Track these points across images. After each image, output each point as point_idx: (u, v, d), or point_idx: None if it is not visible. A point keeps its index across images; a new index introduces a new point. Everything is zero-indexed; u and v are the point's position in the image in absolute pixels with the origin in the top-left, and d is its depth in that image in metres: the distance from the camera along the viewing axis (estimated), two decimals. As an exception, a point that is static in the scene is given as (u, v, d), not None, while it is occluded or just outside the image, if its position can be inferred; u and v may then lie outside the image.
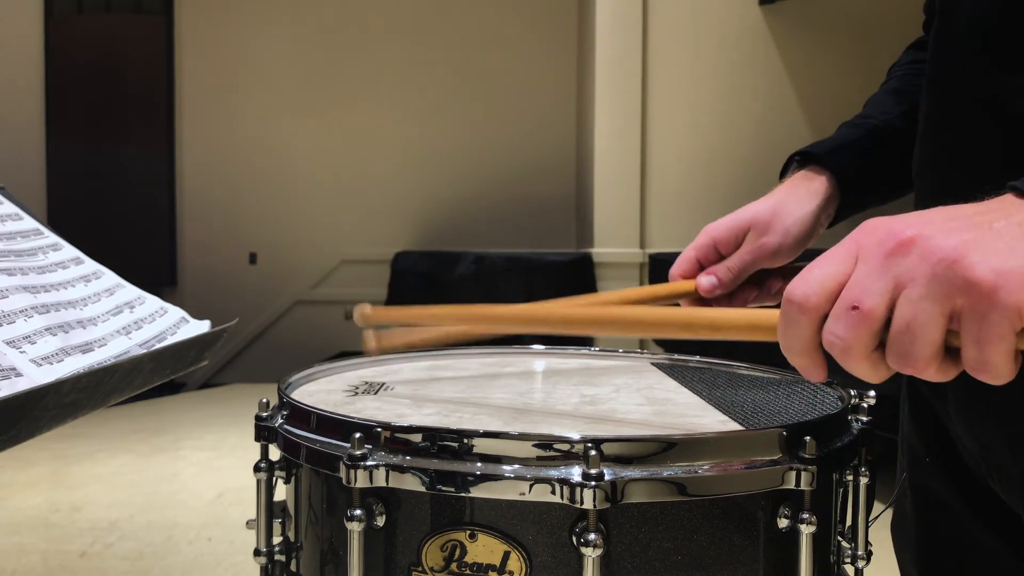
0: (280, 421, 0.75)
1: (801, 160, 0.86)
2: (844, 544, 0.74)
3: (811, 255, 0.81)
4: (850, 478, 0.73)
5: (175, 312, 0.86)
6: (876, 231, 0.47)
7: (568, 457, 0.60)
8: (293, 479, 0.75)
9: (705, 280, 0.82)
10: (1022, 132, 0.60)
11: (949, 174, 0.67)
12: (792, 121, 5.01)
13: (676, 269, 0.86)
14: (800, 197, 0.83)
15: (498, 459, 0.61)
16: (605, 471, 0.59)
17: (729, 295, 0.85)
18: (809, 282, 0.48)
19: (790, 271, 0.83)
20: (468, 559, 0.61)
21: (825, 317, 0.48)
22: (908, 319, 0.44)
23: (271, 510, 0.76)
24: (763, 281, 0.85)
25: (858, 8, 5.19)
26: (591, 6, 5.09)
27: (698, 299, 0.84)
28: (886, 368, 0.47)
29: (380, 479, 0.62)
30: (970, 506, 0.71)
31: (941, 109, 0.69)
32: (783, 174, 0.88)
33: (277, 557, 0.76)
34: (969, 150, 0.65)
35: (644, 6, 4.84)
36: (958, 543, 0.73)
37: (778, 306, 0.68)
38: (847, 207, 0.85)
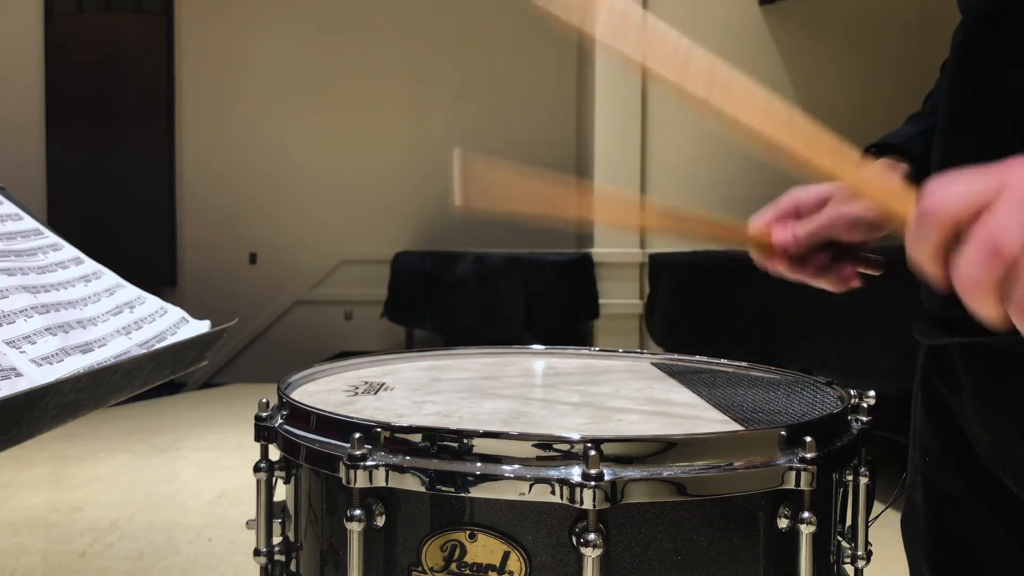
0: (280, 421, 0.75)
1: (877, 151, 0.85)
2: (844, 544, 0.74)
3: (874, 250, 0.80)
4: (850, 478, 0.73)
5: (175, 312, 0.86)
6: None
7: (568, 457, 0.60)
8: (293, 479, 0.75)
9: (781, 235, 0.80)
10: None
11: None
12: (792, 121, 5.00)
13: (752, 226, 0.84)
14: None
15: (498, 459, 0.61)
16: (605, 471, 0.59)
17: (800, 262, 0.82)
18: (950, 194, 0.47)
19: (863, 259, 0.82)
20: (468, 559, 0.61)
21: (957, 230, 0.46)
22: None
23: (271, 510, 0.76)
24: (835, 262, 0.83)
25: (858, 8, 5.19)
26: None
27: (770, 252, 0.81)
28: (1004, 312, 0.45)
29: (380, 479, 0.62)
30: (982, 501, 0.71)
31: (958, 109, 0.68)
32: None
33: (277, 557, 0.76)
34: (986, 151, 0.65)
35: (644, 6, 4.84)
36: (969, 538, 0.73)
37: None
38: None
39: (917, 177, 0.81)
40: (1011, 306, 0.45)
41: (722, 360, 1.03)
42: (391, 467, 0.62)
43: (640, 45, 0.68)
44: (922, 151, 0.79)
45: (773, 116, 0.63)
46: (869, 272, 0.82)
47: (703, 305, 3.97)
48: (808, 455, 0.63)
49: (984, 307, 0.46)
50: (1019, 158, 0.47)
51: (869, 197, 0.57)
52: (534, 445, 0.61)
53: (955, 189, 0.47)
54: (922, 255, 0.48)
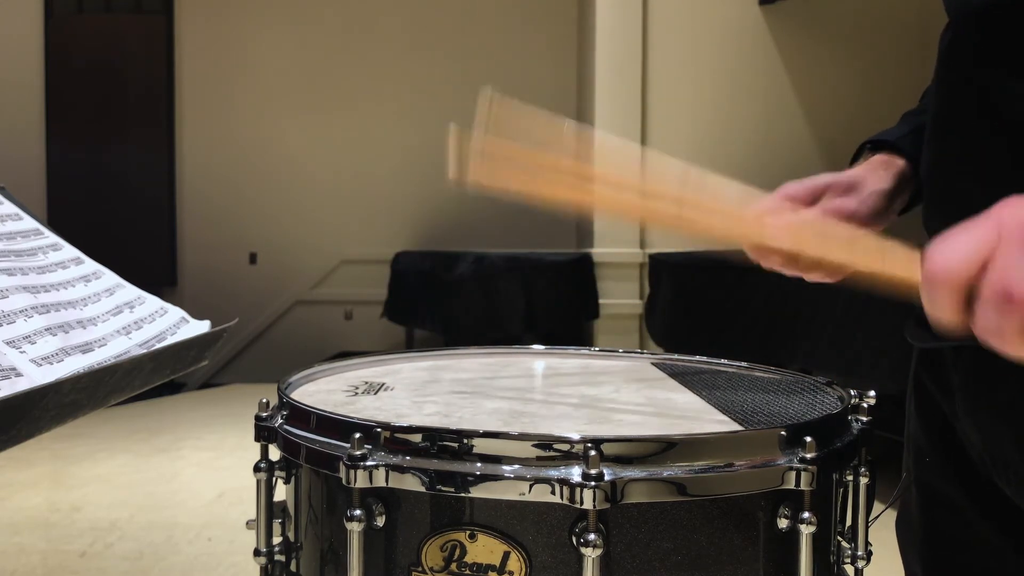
0: (280, 421, 0.75)
1: (873, 147, 0.85)
2: (844, 544, 0.74)
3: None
4: (850, 478, 0.73)
5: (175, 312, 0.86)
6: (1021, 211, 0.47)
7: (568, 457, 0.60)
8: (293, 479, 0.75)
9: (774, 228, 0.80)
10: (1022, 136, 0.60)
11: (956, 178, 0.67)
12: (792, 121, 5.01)
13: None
14: (880, 175, 0.81)
15: (498, 459, 0.61)
16: (605, 471, 0.59)
17: (794, 257, 0.82)
18: (953, 253, 0.48)
19: None
20: (468, 559, 0.61)
21: (969, 288, 0.47)
22: None
23: (271, 510, 0.76)
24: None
25: (858, 8, 5.19)
26: (591, 6, 5.09)
27: (763, 246, 0.81)
28: None
29: (380, 479, 0.62)
30: (976, 504, 0.71)
31: (945, 112, 0.69)
32: (853, 162, 0.86)
33: (277, 557, 0.76)
34: (972, 154, 0.65)
35: (644, 6, 4.84)
36: (963, 541, 0.73)
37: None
38: (920, 196, 0.83)
39: (913, 174, 0.82)
40: None
41: (722, 360, 1.03)
42: (391, 467, 0.62)
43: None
44: (917, 147, 0.79)
45: (800, 230, 0.63)
46: None
47: (703, 305, 3.97)
48: (808, 455, 0.63)
49: (1014, 350, 0.47)
50: (1009, 198, 0.48)
51: (865, 268, 0.58)
52: (534, 445, 0.61)
53: (956, 248, 0.48)
54: (941, 317, 0.49)
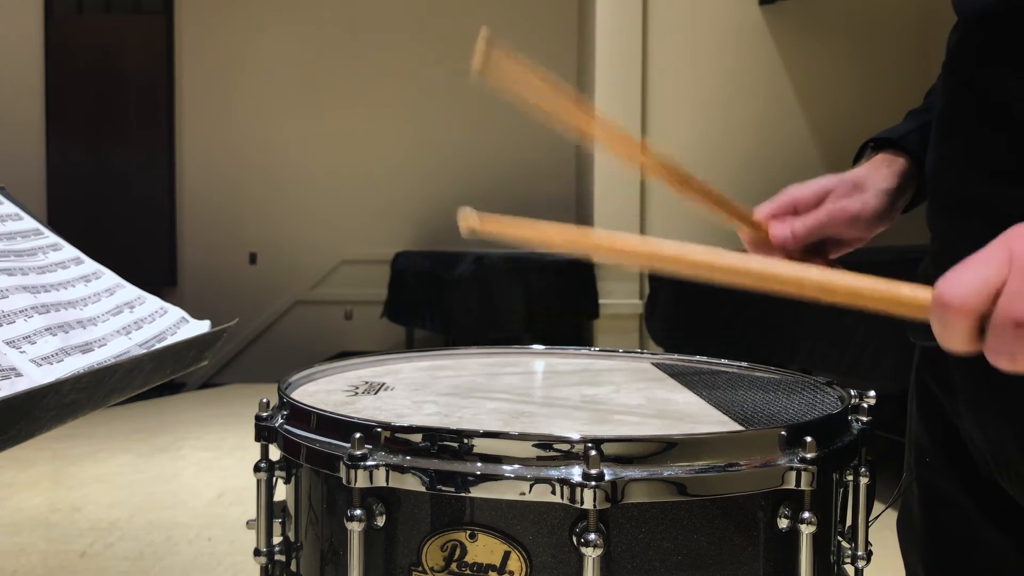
0: (280, 421, 0.75)
1: (876, 146, 0.85)
2: (844, 544, 0.74)
3: (870, 251, 0.80)
4: (850, 478, 0.73)
5: (175, 312, 0.86)
6: None
7: (568, 457, 0.60)
8: (293, 479, 0.75)
9: (779, 229, 0.79)
10: None
11: (962, 177, 0.67)
12: (792, 121, 5.01)
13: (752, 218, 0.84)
14: (883, 174, 0.81)
15: (498, 459, 0.61)
16: (605, 471, 0.59)
17: (795, 258, 0.82)
18: (964, 285, 0.49)
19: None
20: (468, 559, 0.61)
21: (981, 317, 0.49)
22: None
23: (271, 510, 0.76)
24: (831, 262, 0.83)
25: (858, 8, 5.19)
26: (591, 6, 5.08)
27: (766, 246, 0.81)
28: None
29: (380, 479, 0.62)
30: (977, 503, 0.71)
31: (952, 113, 0.69)
32: (856, 161, 0.86)
33: (277, 557, 0.76)
34: (978, 154, 0.65)
35: (644, 6, 4.84)
36: (965, 540, 0.73)
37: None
38: (923, 193, 0.83)
39: (916, 172, 0.82)
40: None
41: (722, 360, 1.03)
42: (391, 467, 0.62)
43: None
44: (920, 146, 0.79)
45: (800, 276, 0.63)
46: None
47: (703, 305, 3.97)
48: (808, 455, 0.63)
49: None
50: (1019, 225, 0.50)
51: (874, 299, 0.58)
52: (534, 445, 0.61)
53: (969, 282, 0.49)
54: (955, 345, 0.51)
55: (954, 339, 0.50)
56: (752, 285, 0.62)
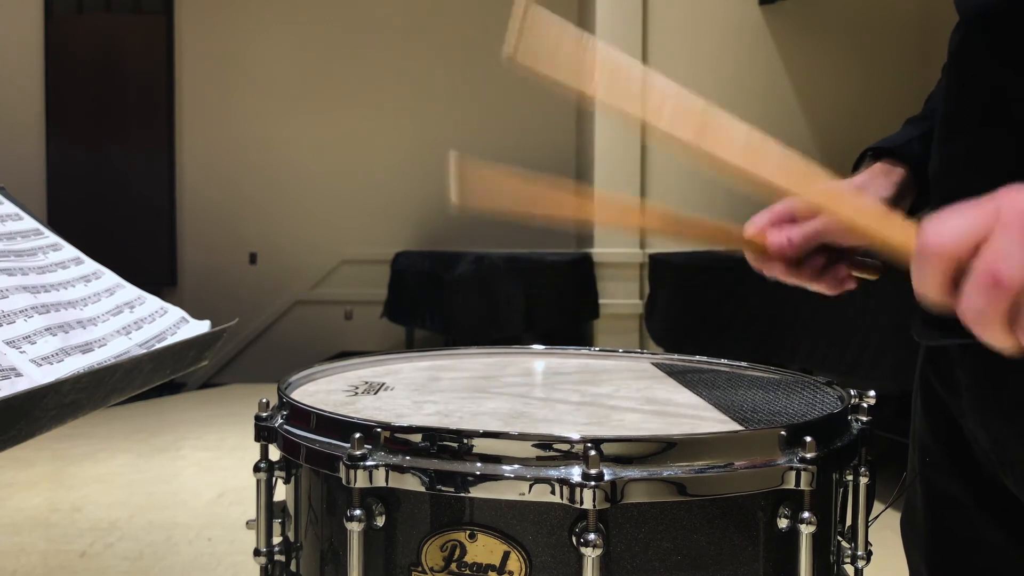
0: (280, 421, 0.75)
1: (874, 155, 0.85)
2: (844, 544, 0.74)
3: (866, 253, 0.80)
4: (850, 478, 0.73)
5: (175, 312, 0.86)
6: (1022, 199, 0.47)
7: (568, 457, 0.60)
8: (293, 479, 0.75)
9: (776, 237, 0.79)
10: None
11: (966, 179, 0.67)
12: (792, 121, 5.01)
13: (748, 230, 0.84)
14: (881, 183, 0.81)
15: (498, 459, 0.61)
16: (605, 471, 0.59)
17: (796, 265, 0.82)
18: (947, 230, 0.48)
19: (860, 264, 0.82)
20: (468, 559, 0.61)
21: (958, 266, 0.48)
22: None
23: (271, 510, 0.76)
24: (831, 265, 0.83)
25: (858, 8, 5.19)
26: (591, 6, 5.09)
27: (765, 256, 0.81)
28: (1014, 340, 0.47)
29: (380, 479, 0.62)
30: (981, 502, 0.71)
31: (956, 113, 0.69)
32: (855, 169, 0.86)
33: (277, 557, 0.76)
34: (982, 155, 0.65)
35: (644, 6, 4.84)
36: (968, 540, 0.73)
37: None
38: (922, 202, 0.83)
39: (915, 181, 0.82)
40: (1020, 333, 0.46)
41: (722, 360, 1.03)
42: (391, 467, 0.62)
43: (634, 98, 0.69)
44: (920, 154, 0.79)
45: (764, 154, 0.64)
46: (866, 277, 0.82)
47: (703, 305, 3.97)
48: (808, 455, 0.63)
49: (993, 337, 0.47)
50: (1011, 185, 0.48)
51: (865, 230, 0.58)
52: (534, 445, 0.61)
53: (952, 225, 0.48)
54: (928, 292, 0.50)
55: (928, 284, 0.49)
56: (751, 180, 0.63)
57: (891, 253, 0.56)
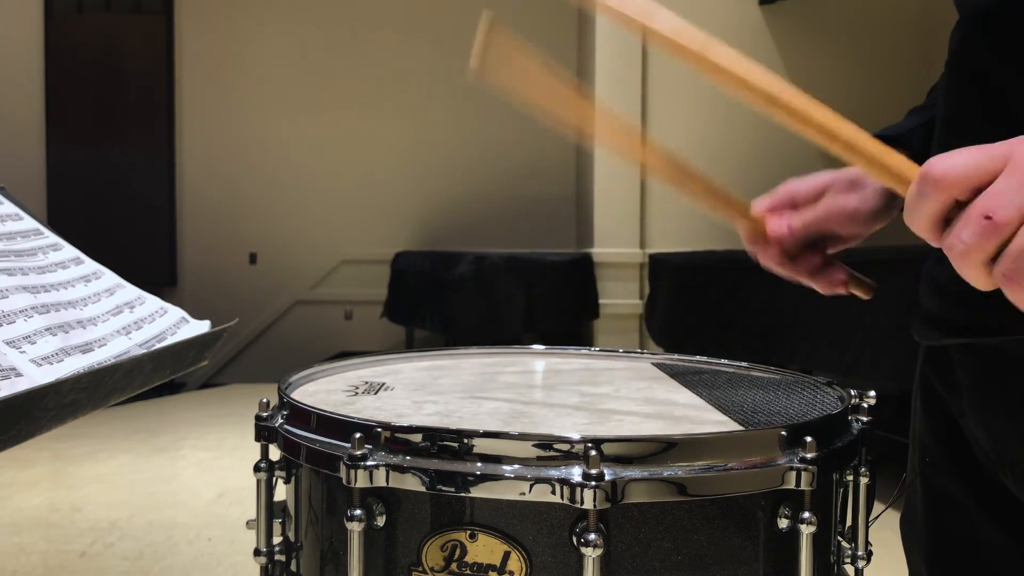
0: (280, 421, 0.75)
1: None
2: (844, 544, 0.74)
3: (869, 251, 0.79)
4: (850, 478, 0.73)
5: (175, 312, 0.86)
6: None
7: (568, 457, 0.60)
8: (293, 479, 0.75)
9: (776, 224, 0.79)
10: None
11: None
12: (792, 121, 5.00)
13: (755, 207, 0.83)
14: None
15: (498, 459, 0.61)
16: (605, 471, 0.59)
17: (792, 258, 0.82)
18: (953, 163, 0.48)
19: (856, 280, 0.81)
20: (468, 559, 0.61)
21: (955, 202, 0.48)
22: None
23: (271, 510, 0.76)
24: (827, 266, 0.82)
25: (858, 8, 5.19)
26: (591, 6, 5.08)
27: (763, 240, 0.81)
28: (992, 280, 0.47)
29: (380, 479, 0.62)
30: (981, 502, 0.71)
31: (956, 111, 0.69)
32: None
33: (277, 557, 0.76)
34: None
35: (644, 6, 4.84)
36: (968, 540, 0.73)
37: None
38: None
39: None
40: (997, 274, 0.46)
41: (722, 360, 1.03)
42: (391, 467, 0.62)
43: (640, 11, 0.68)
44: (922, 143, 0.79)
45: (770, 80, 0.64)
46: (859, 294, 0.81)
47: (703, 305, 3.97)
48: (808, 455, 0.63)
49: (972, 274, 0.47)
50: None
51: (863, 150, 0.57)
52: (534, 445, 0.61)
53: (960, 159, 0.48)
54: (918, 221, 0.50)
55: (920, 215, 0.49)
56: (753, 98, 0.63)
57: (889, 179, 0.55)
